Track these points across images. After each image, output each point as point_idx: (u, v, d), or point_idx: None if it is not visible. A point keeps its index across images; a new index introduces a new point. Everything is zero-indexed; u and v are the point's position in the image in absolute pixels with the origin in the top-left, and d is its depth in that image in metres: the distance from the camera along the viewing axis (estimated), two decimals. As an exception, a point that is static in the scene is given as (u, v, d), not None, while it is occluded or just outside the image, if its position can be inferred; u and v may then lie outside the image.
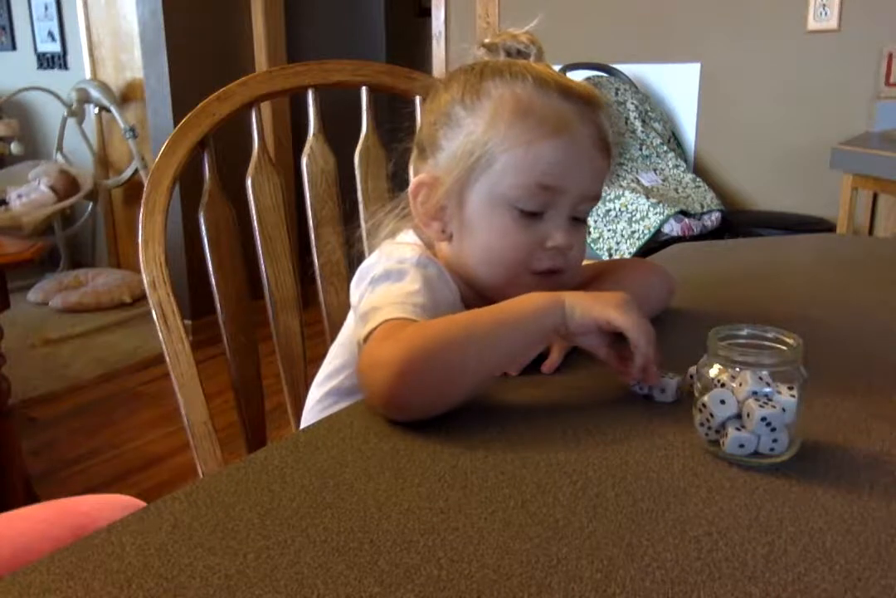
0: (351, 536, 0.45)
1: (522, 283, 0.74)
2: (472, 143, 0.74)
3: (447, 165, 0.76)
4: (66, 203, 3.54)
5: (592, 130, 0.74)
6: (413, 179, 0.79)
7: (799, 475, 0.52)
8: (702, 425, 0.55)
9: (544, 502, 0.48)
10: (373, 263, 0.75)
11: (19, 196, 3.55)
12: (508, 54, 0.78)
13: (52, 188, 3.54)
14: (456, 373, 0.59)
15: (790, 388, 0.53)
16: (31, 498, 1.78)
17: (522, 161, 0.72)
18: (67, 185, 3.58)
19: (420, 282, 0.70)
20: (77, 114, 3.65)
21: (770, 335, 0.57)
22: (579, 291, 0.66)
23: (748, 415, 0.52)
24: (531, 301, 0.63)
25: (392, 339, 0.61)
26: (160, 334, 0.90)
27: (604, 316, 0.62)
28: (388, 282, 0.71)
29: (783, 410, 0.52)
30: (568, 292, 0.64)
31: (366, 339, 0.65)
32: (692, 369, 0.64)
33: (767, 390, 0.53)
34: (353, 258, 0.98)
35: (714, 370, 0.55)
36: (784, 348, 0.56)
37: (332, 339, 1.01)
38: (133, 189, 3.70)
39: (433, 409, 0.59)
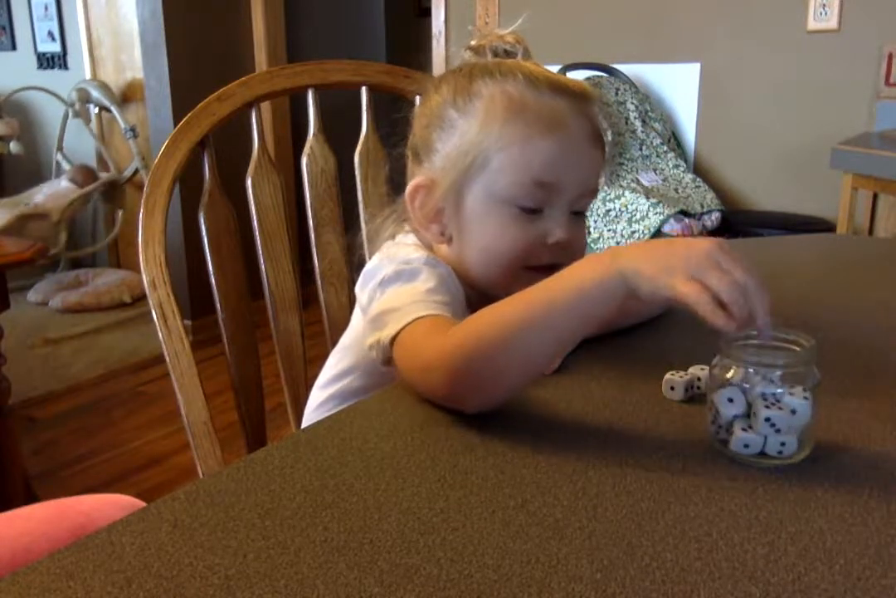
0: (351, 536, 0.45)
1: (524, 279, 0.74)
2: (466, 144, 0.74)
3: (443, 167, 0.76)
4: (90, 188, 3.56)
5: (585, 123, 0.74)
6: (409, 183, 0.79)
7: (799, 475, 0.52)
8: (712, 423, 0.55)
9: (544, 502, 0.48)
10: (378, 265, 0.74)
11: (43, 194, 3.57)
12: (496, 55, 0.78)
13: (73, 180, 3.56)
14: (519, 364, 0.58)
15: (804, 389, 0.53)
16: (31, 498, 1.78)
17: (519, 159, 0.72)
18: (86, 176, 3.60)
19: (435, 280, 0.70)
20: (81, 114, 3.65)
21: (784, 336, 0.56)
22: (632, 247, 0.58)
23: (755, 415, 0.52)
24: (588, 278, 0.56)
25: (436, 337, 0.61)
26: (160, 334, 0.90)
27: (672, 294, 0.52)
28: (399, 283, 0.70)
29: (793, 411, 0.52)
30: (625, 255, 0.55)
31: (392, 340, 0.65)
32: (692, 369, 0.64)
33: (778, 391, 0.53)
34: (353, 259, 0.98)
35: (727, 371, 0.55)
36: (798, 349, 0.55)
37: (332, 339, 1.01)
38: (133, 189, 3.70)
39: (495, 401, 0.59)
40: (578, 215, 0.77)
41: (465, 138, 0.74)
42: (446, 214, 0.77)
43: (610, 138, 2.44)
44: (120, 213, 3.76)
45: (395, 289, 0.70)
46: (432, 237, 0.79)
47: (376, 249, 0.84)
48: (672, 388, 0.63)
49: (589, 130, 0.74)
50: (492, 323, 0.59)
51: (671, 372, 0.64)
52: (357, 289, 0.77)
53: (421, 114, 0.80)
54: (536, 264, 0.74)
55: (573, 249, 0.75)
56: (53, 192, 3.52)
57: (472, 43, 0.79)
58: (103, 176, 3.64)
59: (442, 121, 0.76)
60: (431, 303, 0.66)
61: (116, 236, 3.81)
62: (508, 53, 0.78)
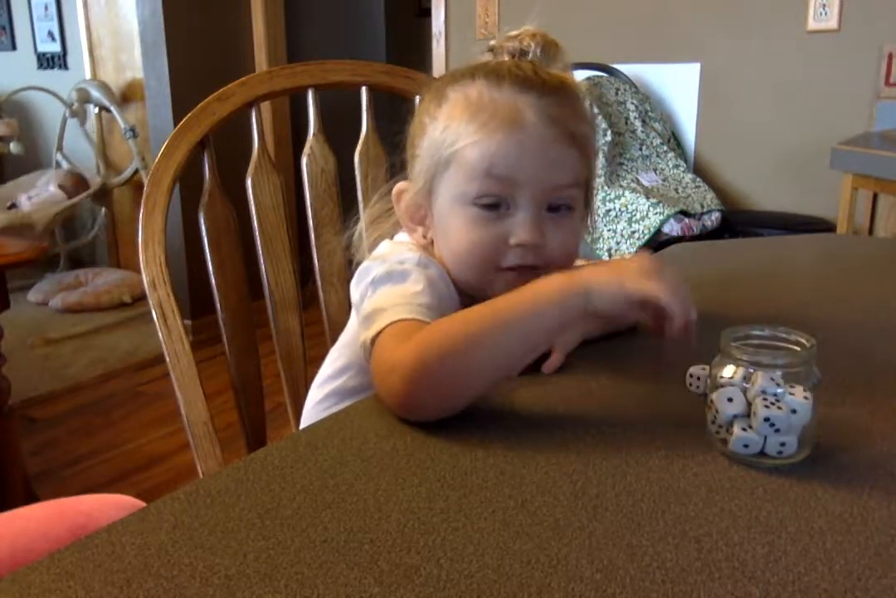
0: (351, 536, 0.45)
1: (498, 281, 0.74)
2: (433, 147, 0.75)
3: (419, 171, 0.77)
4: (77, 199, 3.54)
5: (550, 121, 0.72)
6: (395, 187, 0.81)
7: (799, 475, 0.52)
8: (712, 422, 0.55)
9: (544, 502, 0.48)
10: (372, 264, 0.75)
11: (29, 198, 3.56)
12: (512, 56, 0.78)
13: (61, 187, 3.54)
14: (473, 373, 0.59)
15: (804, 389, 0.53)
16: (31, 498, 1.78)
17: (471, 157, 0.72)
18: (76, 183, 3.59)
19: (423, 282, 0.70)
20: (78, 114, 3.65)
21: (784, 336, 0.56)
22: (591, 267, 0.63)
23: (755, 415, 0.52)
24: (548, 290, 0.60)
25: (406, 340, 0.61)
26: (160, 334, 0.90)
27: (639, 293, 0.58)
28: (389, 283, 0.70)
29: (793, 411, 0.52)
30: (587, 271, 0.61)
31: (373, 340, 0.65)
32: (692, 369, 0.64)
33: (779, 390, 0.53)
34: (353, 258, 0.98)
35: (727, 370, 0.55)
36: (798, 348, 0.55)
37: (332, 339, 1.01)
38: (133, 189, 3.71)
39: (450, 409, 0.59)
40: (559, 216, 0.75)
41: (431, 142, 0.75)
42: (427, 216, 0.78)
43: (609, 138, 2.46)
44: (103, 211, 3.76)
45: (384, 289, 0.70)
46: (416, 239, 0.80)
47: (367, 247, 0.84)
48: (698, 378, 0.63)
49: (555, 127, 0.72)
50: (452, 330, 0.60)
51: (694, 366, 0.64)
52: (352, 286, 0.77)
53: (412, 125, 0.81)
54: (506, 266, 0.74)
55: (548, 250, 0.73)
56: (41, 199, 3.50)
57: (491, 43, 0.79)
58: (95, 181, 3.63)
59: (419, 127, 0.78)
60: (415, 306, 0.66)
61: (97, 235, 3.82)
62: (524, 53, 0.78)
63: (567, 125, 0.73)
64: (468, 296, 0.77)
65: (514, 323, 0.60)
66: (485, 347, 0.59)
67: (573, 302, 0.59)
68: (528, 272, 0.74)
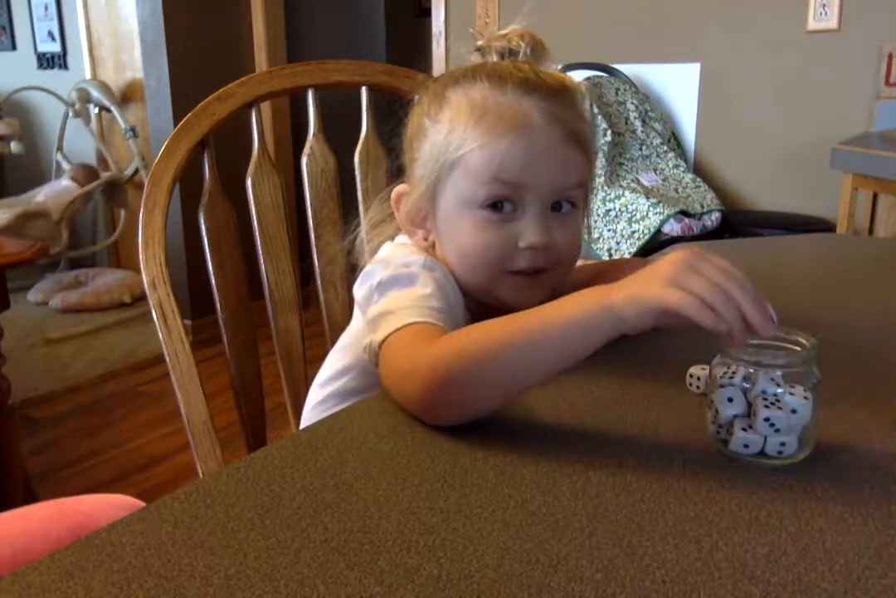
0: (351, 536, 0.45)
1: (506, 283, 0.74)
2: (435, 150, 0.75)
3: (420, 175, 0.77)
4: (91, 187, 3.54)
5: (556, 123, 0.72)
6: (394, 190, 0.81)
7: (799, 475, 0.52)
8: (712, 423, 0.55)
9: (544, 502, 0.48)
10: (376, 267, 0.74)
11: (45, 194, 3.57)
12: (501, 56, 0.78)
13: (74, 179, 3.54)
14: (493, 387, 0.58)
15: (804, 389, 0.53)
16: (31, 498, 1.78)
17: (479, 161, 0.72)
18: (88, 174, 3.58)
19: (432, 285, 0.70)
20: (82, 114, 3.65)
21: (784, 336, 0.56)
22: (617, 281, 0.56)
23: (755, 415, 0.52)
24: (574, 310, 0.56)
25: (421, 345, 0.60)
26: (160, 334, 0.90)
27: (658, 304, 0.52)
28: (397, 286, 0.70)
29: (793, 411, 0.52)
30: (617, 286, 0.55)
31: (381, 343, 0.65)
32: (692, 369, 0.65)
33: (779, 390, 0.53)
34: (354, 259, 0.98)
35: (727, 371, 0.55)
36: (798, 349, 0.55)
37: (332, 339, 1.01)
38: (133, 189, 3.70)
39: (465, 418, 0.58)
40: (563, 215, 0.75)
41: (434, 145, 0.75)
42: (428, 219, 0.78)
43: (609, 138, 2.46)
44: (123, 212, 3.76)
45: (392, 293, 0.70)
46: (416, 242, 0.80)
47: (369, 251, 0.84)
48: (698, 378, 0.63)
49: (560, 129, 0.72)
50: (477, 340, 0.59)
51: (694, 366, 0.64)
52: (355, 289, 0.77)
53: (408, 126, 0.81)
54: (516, 269, 0.73)
55: (556, 251, 0.73)
56: (54, 191, 3.52)
57: (479, 43, 0.79)
58: (105, 175, 3.64)
59: (419, 131, 0.77)
60: (425, 309, 0.66)
61: (103, 237, 3.82)
62: (513, 52, 0.77)
63: (571, 126, 0.73)
64: (472, 298, 0.77)
65: (539, 341, 0.56)
66: (507, 362, 0.57)
67: (599, 322, 0.55)
68: (536, 274, 0.74)
